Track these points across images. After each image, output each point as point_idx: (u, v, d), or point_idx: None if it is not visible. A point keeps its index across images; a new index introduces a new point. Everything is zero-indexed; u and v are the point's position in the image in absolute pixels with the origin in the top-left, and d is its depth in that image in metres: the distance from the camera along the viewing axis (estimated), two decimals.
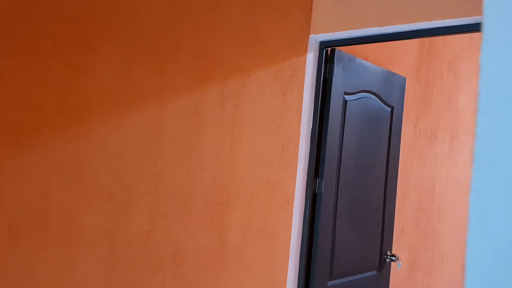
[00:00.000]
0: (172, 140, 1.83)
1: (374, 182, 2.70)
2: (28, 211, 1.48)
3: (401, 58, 3.01)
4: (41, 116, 1.50)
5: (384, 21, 2.17)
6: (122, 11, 1.67)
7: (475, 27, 1.96)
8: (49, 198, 1.52)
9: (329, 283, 2.45)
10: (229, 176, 2.03)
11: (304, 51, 2.30)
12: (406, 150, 3.05)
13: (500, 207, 0.37)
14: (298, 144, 2.31)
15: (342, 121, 2.47)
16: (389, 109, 2.79)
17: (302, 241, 2.36)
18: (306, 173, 2.38)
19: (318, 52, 2.38)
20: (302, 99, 2.32)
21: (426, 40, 3.20)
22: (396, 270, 3.00)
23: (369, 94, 2.63)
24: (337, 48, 2.41)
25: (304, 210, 2.37)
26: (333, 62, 2.39)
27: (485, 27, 0.39)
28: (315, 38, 2.35)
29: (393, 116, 2.80)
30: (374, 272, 2.73)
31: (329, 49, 2.41)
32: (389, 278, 2.84)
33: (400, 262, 2.93)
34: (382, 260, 2.79)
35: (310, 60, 2.33)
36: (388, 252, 2.80)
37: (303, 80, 2.32)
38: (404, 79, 2.88)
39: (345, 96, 2.48)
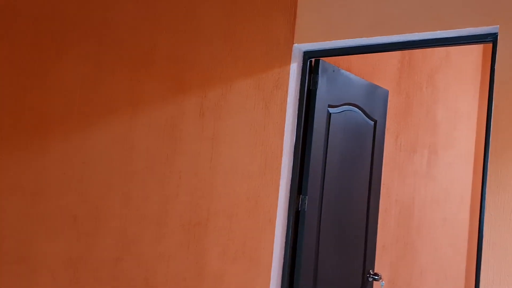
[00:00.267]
0: (145, 155, 1.77)
1: (357, 199, 2.70)
2: None
3: (382, 70, 3.01)
4: None
5: (371, 32, 2.17)
6: (91, 12, 1.62)
7: (456, 40, 2.03)
8: (2, 222, 1.42)
9: None
10: (208, 195, 1.98)
11: (287, 61, 2.30)
12: (387, 165, 3.04)
13: None
14: (281, 159, 2.29)
15: (326, 135, 2.46)
16: (372, 122, 2.77)
17: (284, 263, 2.33)
18: (289, 189, 2.35)
19: (302, 62, 2.39)
20: (285, 111, 2.30)
21: (406, 53, 3.20)
22: None
23: (353, 107, 2.63)
24: (321, 59, 2.37)
25: (287, 229, 2.33)
26: (318, 73, 2.38)
27: None
28: (299, 47, 2.35)
29: (376, 130, 2.80)
30: None
31: (313, 59, 2.38)
32: None
33: (383, 282, 2.88)
34: (365, 280, 2.75)
35: (294, 71, 2.34)
36: (370, 271, 2.80)
37: (287, 91, 2.29)
38: (387, 92, 2.87)
39: (329, 108, 2.45)
